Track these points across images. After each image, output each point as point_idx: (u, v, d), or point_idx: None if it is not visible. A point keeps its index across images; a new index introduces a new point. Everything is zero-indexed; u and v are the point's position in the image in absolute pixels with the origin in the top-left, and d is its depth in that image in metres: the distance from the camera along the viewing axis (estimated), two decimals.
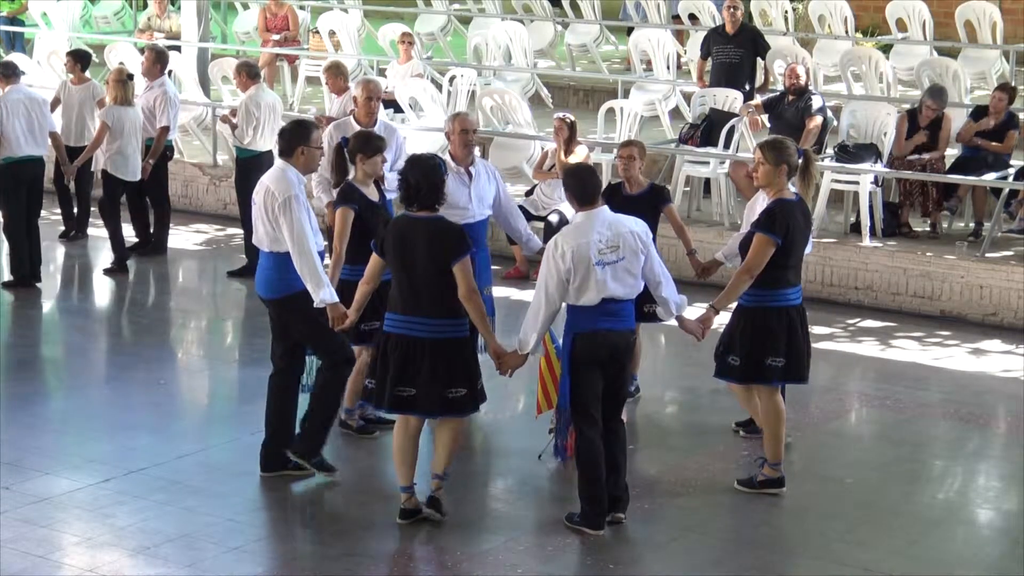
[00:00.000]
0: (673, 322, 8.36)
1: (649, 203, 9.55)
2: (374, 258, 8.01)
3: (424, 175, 7.82)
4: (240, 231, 13.88)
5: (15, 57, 17.18)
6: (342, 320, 8.26)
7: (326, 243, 8.73)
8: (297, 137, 8.39)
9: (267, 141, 12.80)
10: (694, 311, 8.48)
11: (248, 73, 13.24)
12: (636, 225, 7.92)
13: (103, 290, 13.31)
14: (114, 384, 10.74)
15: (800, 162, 8.39)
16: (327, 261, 8.76)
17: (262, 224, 8.35)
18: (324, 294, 8.21)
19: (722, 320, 8.68)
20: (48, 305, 12.87)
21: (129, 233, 13.92)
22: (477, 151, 9.84)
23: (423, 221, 7.83)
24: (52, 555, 7.63)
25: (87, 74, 14.44)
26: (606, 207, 7.92)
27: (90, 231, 14.61)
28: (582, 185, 7.88)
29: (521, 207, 13.11)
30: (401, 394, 7.83)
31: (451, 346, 7.82)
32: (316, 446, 8.65)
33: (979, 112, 13.38)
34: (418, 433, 8.05)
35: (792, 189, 8.41)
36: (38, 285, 12.88)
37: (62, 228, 14.63)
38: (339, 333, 8.44)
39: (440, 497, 8.08)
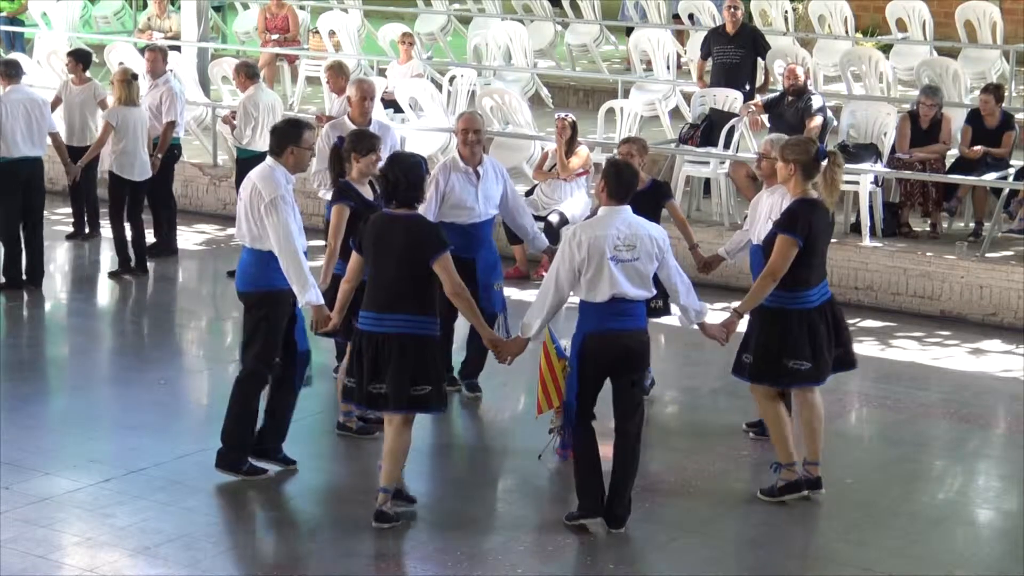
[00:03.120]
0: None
1: (651, 199, 9.55)
2: (354, 256, 8.03)
3: (404, 172, 7.84)
4: None
5: (15, 57, 17.17)
6: (325, 323, 8.27)
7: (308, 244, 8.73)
8: (288, 137, 8.39)
9: (266, 141, 12.79)
10: (716, 313, 8.45)
11: (247, 73, 13.24)
12: (655, 231, 7.92)
13: (104, 290, 13.31)
14: (114, 384, 10.74)
15: (824, 164, 8.34)
16: (318, 262, 8.76)
17: (246, 221, 8.35)
18: (310, 295, 8.21)
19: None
20: (49, 305, 12.87)
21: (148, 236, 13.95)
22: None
23: (401, 219, 7.84)
24: (52, 555, 7.63)
25: (88, 74, 14.44)
26: (629, 208, 7.93)
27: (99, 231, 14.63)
28: (618, 179, 7.88)
29: None
30: (375, 391, 7.86)
31: (418, 343, 7.82)
32: (240, 458, 8.61)
33: (975, 116, 13.37)
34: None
35: (813, 190, 8.37)
36: (27, 288, 12.84)
37: (70, 229, 14.61)
38: (272, 354, 8.46)
39: (387, 510, 7.96)
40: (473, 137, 9.54)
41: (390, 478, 8.00)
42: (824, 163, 8.34)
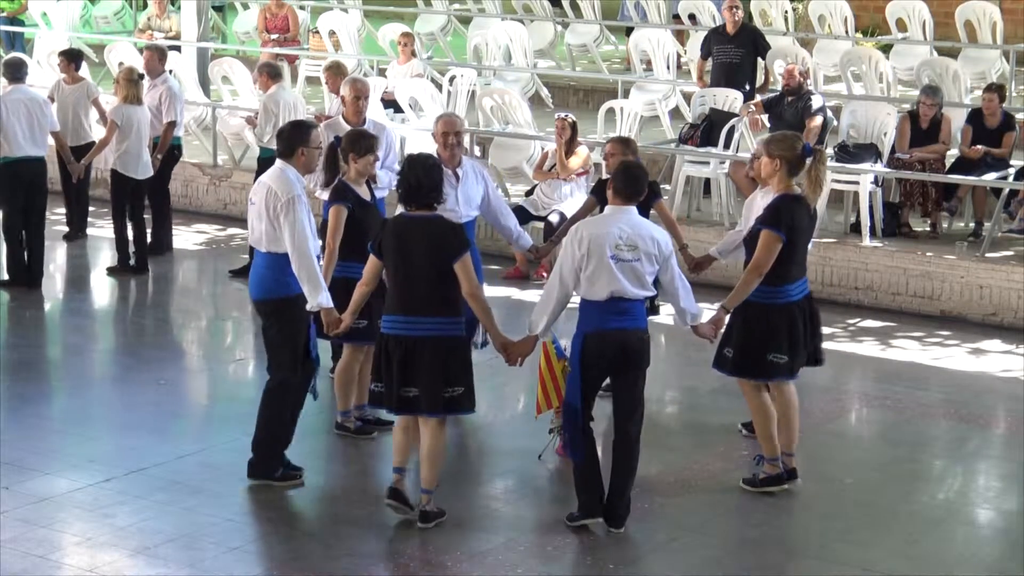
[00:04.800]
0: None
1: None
2: (372, 260, 8.02)
3: (425, 173, 7.85)
4: (242, 231, 13.87)
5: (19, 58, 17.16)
6: (336, 325, 8.27)
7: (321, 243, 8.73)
8: (297, 138, 8.41)
9: None
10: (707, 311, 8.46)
11: (269, 73, 13.24)
12: (659, 234, 7.94)
13: (103, 290, 13.31)
14: (114, 384, 10.74)
15: (809, 161, 8.35)
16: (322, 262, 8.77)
17: (260, 223, 8.35)
18: (321, 298, 8.22)
19: None
20: (49, 305, 12.87)
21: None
22: (477, 151, 9.84)
23: (422, 220, 7.84)
24: (52, 555, 7.63)
25: (81, 73, 14.43)
26: (635, 209, 7.94)
27: (89, 231, 14.61)
28: (625, 178, 7.91)
29: (521, 207, 13.18)
30: (406, 395, 7.86)
31: (449, 344, 7.84)
32: (274, 466, 8.61)
33: (975, 116, 13.37)
34: (416, 426, 8.07)
35: (797, 187, 8.39)
36: (26, 288, 12.84)
37: (65, 229, 14.62)
38: (297, 360, 8.43)
39: (431, 509, 8.05)
40: (454, 140, 9.50)
41: (431, 481, 8.02)
42: (809, 160, 8.34)
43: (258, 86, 13.72)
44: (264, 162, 13.16)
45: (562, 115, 13.22)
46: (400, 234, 7.83)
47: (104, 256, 13.95)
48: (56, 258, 14.11)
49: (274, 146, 12.75)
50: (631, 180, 7.93)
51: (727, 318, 8.40)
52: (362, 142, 8.97)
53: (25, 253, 12.87)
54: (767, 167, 8.37)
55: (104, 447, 9.21)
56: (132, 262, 13.40)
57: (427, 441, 7.99)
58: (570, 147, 13.11)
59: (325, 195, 9.31)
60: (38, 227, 12.93)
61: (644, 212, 9.40)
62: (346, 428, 9.38)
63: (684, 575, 7.66)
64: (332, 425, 9.43)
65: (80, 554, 7.67)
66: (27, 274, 12.86)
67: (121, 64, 15.84)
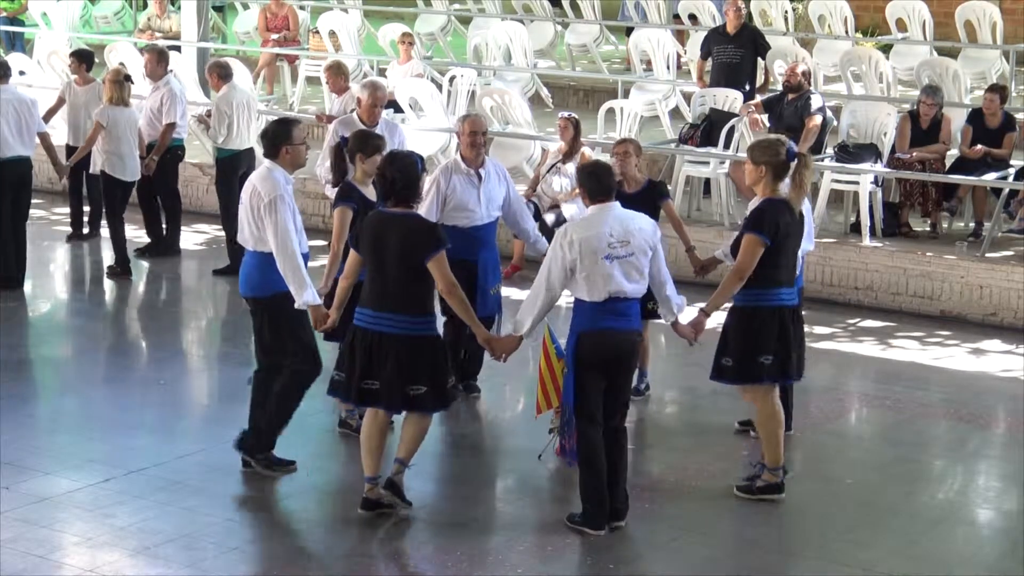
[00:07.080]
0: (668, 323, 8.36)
1: (648, 200, 9.53)
2: (352, 254, 8.04)
3: (401, 171, 7.85)
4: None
5: (15, 57, 17.16)
6: (324, 321, 8.30)
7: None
8: (279, 137, 8.41)
9: (243, 139, 12.82)
10: (691, 311, 8.43)
11: (219, 74, 13.20)
12: (646, 223, 7.94)
13: (103, 290, 13.31)
14: (114, 384, 10.73)
15: (793, 165, 8.32)
16: (318, 262, 8.76)
17: (247, 224, 8.38)
18: (307, 295, 8.24)
19: (716, 322, 8.66)
20: (48, 305, 12.87)
21: (140, 234, 13.93)
22: None
23: (397, 217, 7.85)
24: (52, 555, 7.63)
25: (91, 74, 14.43)
26: (618, 203, 7.93)
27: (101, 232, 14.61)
28: (596, 180, 7.89)
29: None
30: (367, 387, 7.89)
31: (415, 343, 7.84)
32: (266, 445, 8.67)
33: (976, 116, 13.37)
34: (387, 425, 8.12)
35: (784, 190, 8.38)
36: (26, 288, 12.81)
37: (68, 230, 14.61)
38: (310, 343, 8.48)
39: (399, 481, 8.06)
40: (481, 140, 9.56)
41: (409, 455, 8.07)
42: (793, 164, 8.31)
43: (210, 86, 13.69)
44: (221, 163, 13.21)
45: (564, 115, 13.21)
46: (376, 230, 7.85)
47: (106, 256, 13.94)
48: (57, 258, 14.12)
49: (229, 146, 12.98)
50: (598, 178, 7.91)
51: (707, 321, 8.37)
52: (370, 143, 8.95)
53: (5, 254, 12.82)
54: (752, 174, 8.35)
55: (104, 447, 9.21)
56: (130, 263, 13.37)
57: (410, 427, 8.03)
58: (573, 146, 13.10)
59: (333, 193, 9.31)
60: (20, 227, 12.86)
61: (654, 212, 9.43)
62: (349, 426, 9.38)
63: (684, 575, 7.66)
64: (334, 425, 9.43)
65: (80, 554, 7.67)
66: (15, 275, 12.80)
67: (121, 64, 15.84)
